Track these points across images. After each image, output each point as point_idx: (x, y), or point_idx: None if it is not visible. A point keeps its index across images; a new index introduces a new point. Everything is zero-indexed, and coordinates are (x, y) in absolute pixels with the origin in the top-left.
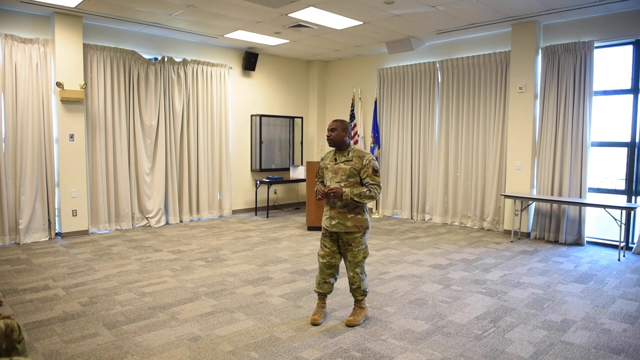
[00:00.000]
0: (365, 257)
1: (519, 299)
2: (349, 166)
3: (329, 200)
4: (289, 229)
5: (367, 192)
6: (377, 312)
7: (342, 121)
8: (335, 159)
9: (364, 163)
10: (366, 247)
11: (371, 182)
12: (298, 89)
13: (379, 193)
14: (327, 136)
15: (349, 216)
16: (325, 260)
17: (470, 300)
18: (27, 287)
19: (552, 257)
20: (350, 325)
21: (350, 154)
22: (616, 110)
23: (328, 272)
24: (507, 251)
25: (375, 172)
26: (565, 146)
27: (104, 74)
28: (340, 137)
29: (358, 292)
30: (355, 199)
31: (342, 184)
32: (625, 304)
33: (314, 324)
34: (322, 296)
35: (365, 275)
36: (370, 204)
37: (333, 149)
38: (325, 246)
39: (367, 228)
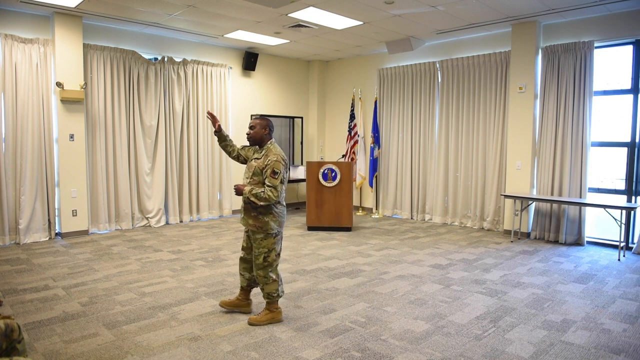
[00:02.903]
0: (269, 263)
1: (519, 299)
2: (256, 164)
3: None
4: (289, 229)
5: (262, 193)
6: (377, 312)
7: (262, 119)
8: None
9: (266, 162)
10: (270, 252)
11: (267, 183)
12: (298, 89)
13: (274, 196)
14: (247, 134)
15: (252, 214)
16: (241, 254)
17: (470, 300)
18: (27, 287)
19: (552, 257)
20: (250, 323)
21: (263, 152)
22: (616, 110)
23: (242, 266)
24: (507, 251)
25: (274, 173)
26: (565, 146)
27: (104, 74)
28: (259, 134)
29: (264, 295)
30: (251, 198)
31: (247, 181)
32: (625, 304)
33: (220, 305)
34: (241, 288)
35: (274, 281)
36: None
37: None
38: (243, 240)
39: (270, 232)
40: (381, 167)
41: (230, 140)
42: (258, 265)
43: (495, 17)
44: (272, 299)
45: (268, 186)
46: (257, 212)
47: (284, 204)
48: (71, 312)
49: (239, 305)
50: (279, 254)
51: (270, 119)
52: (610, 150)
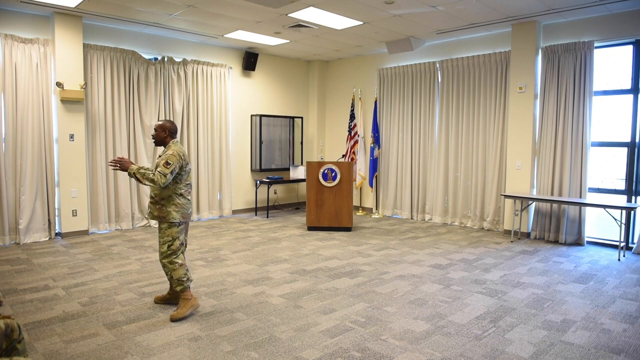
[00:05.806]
0: (172, 251)
1: (519, 299)
2: (158, 160)
3: (138, 181)
4: (289, 229)
5: (151, 175)
6: (377, 312)
7: (164, 122)
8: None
9: (162, 155)
10: (174, 241)
11: (159, 169)
12: (298, 89)
13: (162, 181)
14: (152, 135)
15: (157, 206)
16: None
17: (470, 300)
18: (27, 287)
19: (552, 257)
20: (173, 319)
21: (165, 149)
22: (616, 110)
23: None
24: (507, 251)
25: (167, 164)
26: (565, 146)
27: (104, 74)
28: (160, 136)
29: (173, 282)
30: (137, 175)
31: None
32: (625, 304)
33: (155, 300)
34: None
35: (180, 265)
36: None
37: None
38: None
39: (173, 221)
40: (381, 167)
41: (145, 168)
42: (163, 253)
43: (495, 17)
44: (182, 285)
45: (158, 172)
46: (161, 203)
47: (189, 198)
48: (71, 312)
49: (171, 299)
50: (182, 243)
51: (270, 119)
52: (610, 150)
